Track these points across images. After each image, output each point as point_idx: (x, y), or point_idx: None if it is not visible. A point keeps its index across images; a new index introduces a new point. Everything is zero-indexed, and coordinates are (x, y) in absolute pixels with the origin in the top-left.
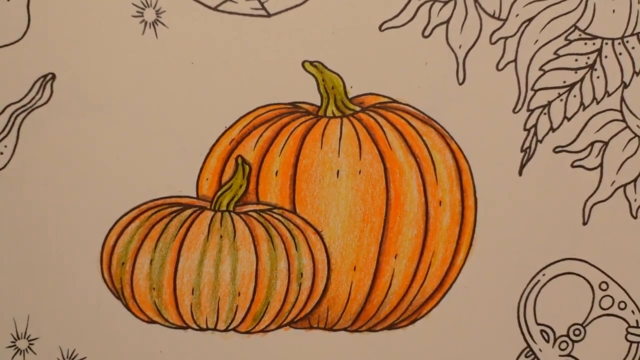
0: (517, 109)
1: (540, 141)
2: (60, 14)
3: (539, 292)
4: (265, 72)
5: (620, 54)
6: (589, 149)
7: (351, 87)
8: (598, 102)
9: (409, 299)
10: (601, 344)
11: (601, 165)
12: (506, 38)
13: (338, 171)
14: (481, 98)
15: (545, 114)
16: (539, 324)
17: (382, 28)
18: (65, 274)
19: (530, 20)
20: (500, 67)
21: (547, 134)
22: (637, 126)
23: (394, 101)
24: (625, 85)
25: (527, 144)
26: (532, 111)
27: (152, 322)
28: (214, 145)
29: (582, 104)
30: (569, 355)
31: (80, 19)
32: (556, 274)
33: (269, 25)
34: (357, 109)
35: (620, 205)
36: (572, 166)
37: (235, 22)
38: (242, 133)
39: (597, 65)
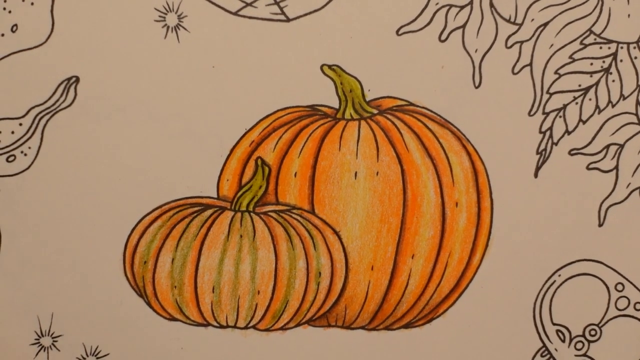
0: (532, 112)
1: (556, 143)
2: (83, 18)
3: (554, 292)
4: (285, 76)
5: (636, 57)
6: (604, 151)
7: (369, 90)
8: (613, 106)
9: (425, 299)
10: (617, 344)
11: (617, 167)
12: (522, 42)
13: (356, 173)
14: (497, 101)
15: (560, 117)
16: (554, 324)
17: (400, 32)
18: (89, 273)
19: (545, 24)
20: (515, 70)
21: (562, 136)
22: None
23: (411, 104)
24: None
25: (542, 147)
26: (547, 114)
27: (173, 319)
28: (234, 147)
29: (597, 107)
30: (584, 355)
31: (104, 23)
32: (572, 274)
33: (288, 30)
34: (375, 111)
35: (636, 207)
36: (588, 168)
37: (255, 27)
38: (261, 135)
39: (613, 69)
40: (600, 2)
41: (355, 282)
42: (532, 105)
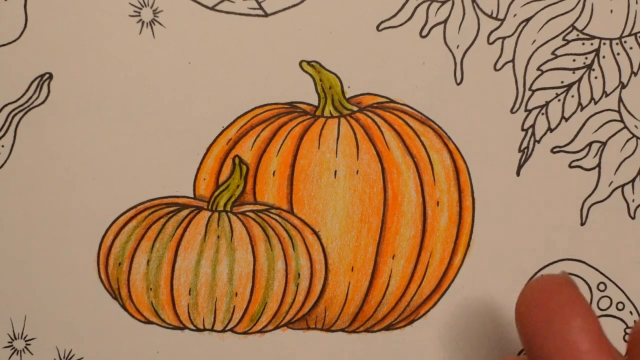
0: (514, 109)
1: (538, 141)
2: (57, 13)
3: None
4: (263, 72)
5: (618, 54)
6: (586, 149)
7: (348, 87)
8: (596, 103)
9: (406, 300)
10: None
11: (599, 165)
12: (504, 38)
13: (335, 171)
14: (479, 98)
15: (543, 114)
16: None
17: (380, 28)
18: (62, 274)
19: (528, 20)
20: (497, 67)
21: (544, 134)
22: (635, 126)
23: (392, 101)
24: (623, 86)
25: (524, 144)
26: (529, 111)
27: (149, 322)
28: (211, 145)
29: (579, 104)
30: None
31: (78, 18)
32: None
33: (266, 25)
34: (355, 109)
35: (618, 206)
36: (570, 166)
37: (233, 22)
38: (239, 133)
39: (595, 66)
40: None
41: (335, 284)
42: (515, 103)
